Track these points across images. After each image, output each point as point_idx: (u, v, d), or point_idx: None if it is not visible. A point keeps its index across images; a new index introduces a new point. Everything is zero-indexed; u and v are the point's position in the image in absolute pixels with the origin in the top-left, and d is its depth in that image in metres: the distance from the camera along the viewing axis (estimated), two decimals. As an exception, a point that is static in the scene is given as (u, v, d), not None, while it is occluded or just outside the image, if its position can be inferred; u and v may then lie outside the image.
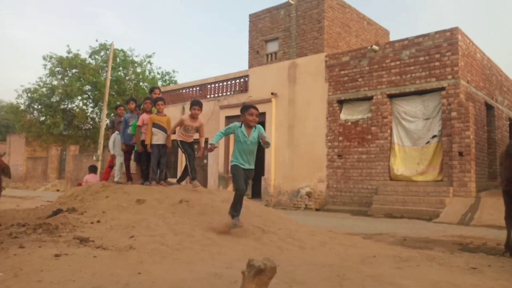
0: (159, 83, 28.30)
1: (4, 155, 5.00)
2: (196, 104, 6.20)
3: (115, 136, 7.76)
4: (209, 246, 4.15)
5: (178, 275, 3.12)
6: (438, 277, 3.57)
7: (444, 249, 5.49)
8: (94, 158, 16.31)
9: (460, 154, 10.60)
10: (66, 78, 26.50)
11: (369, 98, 12.52)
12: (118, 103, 8.00)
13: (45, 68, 26.63)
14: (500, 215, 8.62)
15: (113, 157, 7.82)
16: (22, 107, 27.34)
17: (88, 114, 27.75)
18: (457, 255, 4.87)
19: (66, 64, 25.87)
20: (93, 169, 10.39)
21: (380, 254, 4.48)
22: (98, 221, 4.71)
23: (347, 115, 13.08)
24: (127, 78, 27.27)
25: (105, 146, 22.93)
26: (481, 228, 8.16)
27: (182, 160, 17.72)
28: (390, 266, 3.95)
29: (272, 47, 15.76)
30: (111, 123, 8.60)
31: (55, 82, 26.53)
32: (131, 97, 11.58)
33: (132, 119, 7.20)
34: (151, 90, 7.97)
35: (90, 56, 27.04)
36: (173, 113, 17.14)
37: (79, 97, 26.61)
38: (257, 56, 16.11)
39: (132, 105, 7.73)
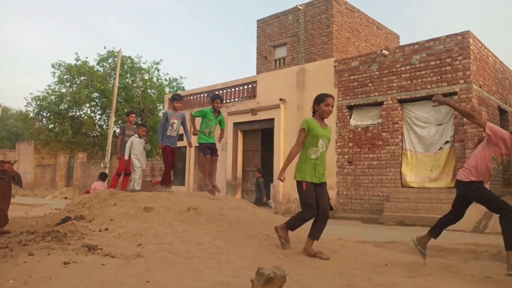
0: (167, 90, 28.47)
1: (15, 163, 5.03)
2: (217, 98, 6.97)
3: (133, 139, 7.42)
4: (217, 254, 4.10)
5: (186, 284, 3.08)
6: (451, 286, 3.49)
7: (458, 257, 5.37)
8: (102, 165, 16.42)
9: (473, 160, 10.41)
10: (75, 85, 26.82)
11: (379, 104, 12.41)
12: (129, 109, 8.05)
13: (53, 76, 27.04)
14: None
15: (126, 162, 7.53)
16: (31, 114, 27.72)
17: (96, 121, 28.00)
18: (471, 263, 4.75)
19: (75, 72, 26.18)
20: (103, 176, 10.41)
21: (392, 263, 4.39)
22: (106, 229, 4.69)
23: (357, 120, 12.97)
24: (134, 85, 27.49)
25: (113, 153, 23.00)
26: (495, 236, 7.96)
27: (191, 165, 17.74)
28: (402, 274, 3.86)
29: (280, 52, 15.76)
30: (121, 129, 8.52)
31: (63, 90, 26.89)
32: (131, 110, 11.96)
33: (175, 117, 7.09)
34: (173, 99, 7.50)
35: (98, 64, 27.37)
36: (182, 119, 17.22)
37: (87, 105, 26.91)
38: (265, 61, 16.12)
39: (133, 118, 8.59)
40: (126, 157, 7.33)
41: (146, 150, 7.62)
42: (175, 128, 7.01)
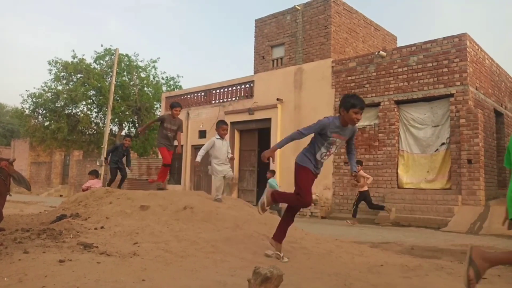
0: (164, 88, 28.39)
1: (14, 162, 4.99)
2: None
3: (215, 141, 6.17)
4: (213, 253, 4.10)
5: (182, 283, 3.07)
6: (446, 287, 3.49)
7: (453, 258, 5.38)
8: (98, 163, 16.32)
9: (469, 161, 10.48)
10: (71, 83, 26.65)
11: (376, 105, 12.44)
12: (175, 102, 7.50)
13: (50, 73, 26.83)
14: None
15: (197, 165, 6.30)
16: (27, 112, 27.51)
17: (92, 119, 27.87)
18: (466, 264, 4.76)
19: (71, 69, 26.02)
20: (96, 173, 10.38)
21: (387, 263, 4.40)
22: (102, 227, 4.67)
23: (353, 121, 12.98)
24: (131, 83, 27.38)
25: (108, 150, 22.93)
26: (490, 237, 8.03)
27: (187, 164, 17.72)
28: (397, 275, 3.87)
29: (278, 52, 15.77)
30: (160, 119, 7.48)
31: (60, 87, 26.68)
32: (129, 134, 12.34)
33: (170, 128, 7.22)
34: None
35: (95, 61, 27.21)
36: (179, 118, 17.19)
37: (84, 102, 26.71)
38: (262, 61, 16.12)
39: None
40: (198, 159, 6.11)
41: (229, 156, 6.30)
42: (169, 136, 7.25)
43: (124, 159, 9.45)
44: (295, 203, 4.14)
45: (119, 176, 9.38)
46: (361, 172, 10.48)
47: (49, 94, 26.63)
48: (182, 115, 17.47)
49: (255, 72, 16.25)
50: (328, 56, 14.04)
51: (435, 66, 11.35)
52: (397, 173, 11.80)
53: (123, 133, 28.86)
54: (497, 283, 3.74)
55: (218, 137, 6.20)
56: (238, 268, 3.65)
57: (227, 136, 6.94)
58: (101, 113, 27.70)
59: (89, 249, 3.76)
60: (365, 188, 10.58)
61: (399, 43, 18.11)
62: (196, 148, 17.68)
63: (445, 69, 11.18)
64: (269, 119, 14.95)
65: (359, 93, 12.80)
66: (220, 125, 6.30)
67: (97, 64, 27.27)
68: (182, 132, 7.69)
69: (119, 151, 9.30)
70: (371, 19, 16.63)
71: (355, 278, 3.58)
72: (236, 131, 16.19)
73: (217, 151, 6.08)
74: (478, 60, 11.85)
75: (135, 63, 27.95)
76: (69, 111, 27.18)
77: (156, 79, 29.04)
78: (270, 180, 11.24)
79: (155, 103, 27.54)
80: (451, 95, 11.03)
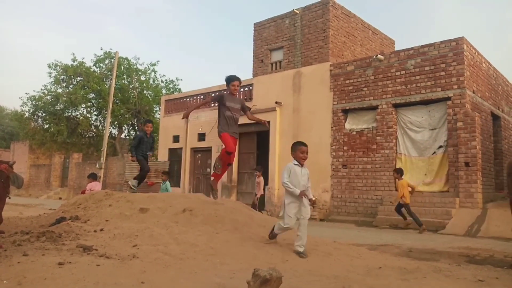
0: (163, 91, 28.41)
1: (14, 164, 4.99)
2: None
3: (292, 167, 4.71)
4: (212, 256, 4.11)
5: (182, 285, 3.09)
6: (444, 289, 3.52)
7: (451, 261, 5.41)
8: (97, 166, 16.27)
9: (467, 164, 10.52)
10: (71, 86, 26.69)
11: (374, 108, 12.49)
12: (231, 75, 5.75)
13: (50, 76, 26.87)
14: (507, 226, 8.54)
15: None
16: (27, 114, 27.54)
17: (92, 122, 27.88)
18: (464, 267, 4.79)
19: (71, 72, 26.07)
20: (95, 176, 10.38)
21: (385, 266, 4.42)
22: (101, 230, 4.68)
23: (352, 124, 13.04)
24: (131, 86, 27.40)
25: (109, 154, 22.98)
26: (488, 239, 8.06)
27: (186, 167, 17.72)
28: (396, 277, 3.89)
29: (277, 56, 15.83)
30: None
31: (59, 90, 26.73)
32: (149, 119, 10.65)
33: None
34: None
35: (94, 64, 27.26)
36: (177, 121, 17.21)
37: (83, 105, 26.75)
38: (261, 65, 16.18)
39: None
40: (284, 179, 4.59)
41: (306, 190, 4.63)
42: (235, 118, 6.47)
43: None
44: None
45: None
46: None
47: (49, 97, 26.66)
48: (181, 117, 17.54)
49: (254, 76, 16.30)
50: (327, 60, 14.10)
51: (433, 70, 11.41)
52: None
53: (122, 136, 28.87)
54: (496, 286, 3.77)
55: (296, 162, 4.71)
56: (237, 271, 3.66)
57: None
58: (100, 116, 27.71)
59: (89, 251, 3.77)
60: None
61: (397, 47, 18.23)
62: (195, 151, 17.70)
63: (443, 73, 11.24)
64: (267, 122, 14.96)
65: (357, 96, 12.88)
66: (298, 147, 4.75)
67: (97, 67, 27.32)
68: (250, 110, 6.83)
69: (145, 141, 8.28)
70: (369, 23, 16.73)
71: (353, 281, 3.60)
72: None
73: (294, 181, 4.61)
74: (475, 64, 11.92)
75: (134, 66, 28.00)
76: (69, 114, 27.20)
77: (156, 82, 29.10)
78: (166, 184, 10.97)
79: (154, 106, 27.57)
80: (449, 98, 11.08)
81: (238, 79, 6.11)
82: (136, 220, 5.16)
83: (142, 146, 8.24)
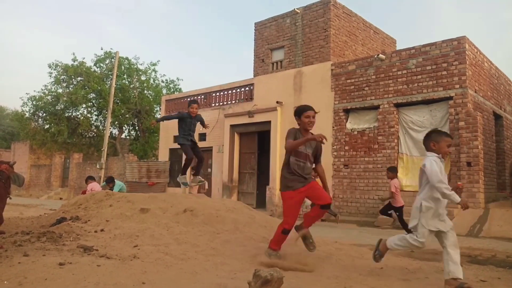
0: (164, 91, 28.40)
1: (14, 164, 5.00)
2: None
3: (437, 161, 3.77)
4: (213, 256, 4.10)
5: (182, 286, 3.08)
6: (447, 290, 3.48)
7: (453, 261, 5.37)
8: (98, 166, 16.26)
9: (469, 164, 10.49)
10: (71, 86, 26.68)
11: (375, 107, 12.46)
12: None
13: (50, 76, 26.87)
14: (509, 226, 8.52)
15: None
16: (27, 114, 27.54)
17: (93, 122, 27.88)
18: (466, 267, 4.76)
19: (71, 72, 26.06)
20: (91, 178, 10.53)
21: (387, 266, 4.40)
22: (102, 230, 4.68)
23: (353, 124, 13.02)
24: (131, 86, 27.40)
25: (109, 154, 22.96)
26: (490, 240, 8.03)
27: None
28: (397, 278, 3.87)
29: (278, 55, 15.81)
30: None
31: (60, 90, 26.72)
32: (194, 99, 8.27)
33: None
34: None
35: (95, 64, 27.25)
36: (177, 121, 17.18)
37: (84, 105, 26.75)
38: (262, 64, 16.16)
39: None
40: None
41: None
42: None
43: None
44: None
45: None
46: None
47: (49, 97, 26.66)
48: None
49: (255, 75, 16.28)
50: (328, 59, 14.07)
51: (434, 69, 11.38)
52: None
53: (123, 136, 28.88)
54: (498, 286, 3.75)
55: (437, 155, 3.73)
56: (238, 271, 3.65)
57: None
58: (101, 116, 27.71)
59: (89, 252, 3.76)
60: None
61: (398, 46, 18.18)
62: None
63: (444, 72, 11.20)
64: (268, 122, 14.96)
65: (358, 96, 12.85)
66: (444, 138, 3.74)
67: (97, 67, 27.31)
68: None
69: (187, 121, 6.72)
70: (370, 22, 16.69)
71: (355, 281, 3.58)
72: (236, 134, 16.20)
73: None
74: (477, 63, 11.88)
75: (135, 66, 27.98)
76: (69, 114, 27.20)
77: (156, 82, 29.08)
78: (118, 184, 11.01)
79: (155, 106, 27.56)
80: (450, 98, 11.05)
81: (195, 102, 6.83)
82: (137, 220, 5.15)
83: (185, 127, 6.65)
